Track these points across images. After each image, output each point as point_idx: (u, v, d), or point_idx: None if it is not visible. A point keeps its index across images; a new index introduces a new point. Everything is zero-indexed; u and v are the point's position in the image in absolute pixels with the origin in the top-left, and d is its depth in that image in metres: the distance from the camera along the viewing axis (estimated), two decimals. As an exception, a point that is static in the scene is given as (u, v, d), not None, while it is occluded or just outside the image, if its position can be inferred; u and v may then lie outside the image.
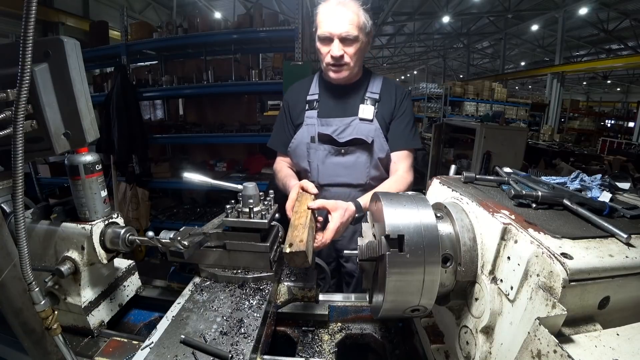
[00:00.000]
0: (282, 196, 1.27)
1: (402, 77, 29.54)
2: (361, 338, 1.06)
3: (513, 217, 0.67)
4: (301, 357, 0.95)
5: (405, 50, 20.67)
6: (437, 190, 0.95)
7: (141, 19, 8.58)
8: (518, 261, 0.60)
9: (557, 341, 0.48)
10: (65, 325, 0.97)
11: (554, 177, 0.92)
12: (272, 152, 1.77)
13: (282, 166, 1.64)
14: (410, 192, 0.78)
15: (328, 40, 1.37)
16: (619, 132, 15.79)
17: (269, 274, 1.00)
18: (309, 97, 1.57)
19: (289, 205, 1.18)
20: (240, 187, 1.06)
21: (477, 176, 0.92)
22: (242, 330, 0.80)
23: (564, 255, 0.54)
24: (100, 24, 5.20)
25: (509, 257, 0.62)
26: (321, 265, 1.34)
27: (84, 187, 0.93)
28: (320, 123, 1.51)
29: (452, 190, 0.87)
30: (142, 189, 4.39)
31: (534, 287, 0.55)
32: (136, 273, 1.19)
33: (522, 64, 20.95)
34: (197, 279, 1.02)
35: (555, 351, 0.48)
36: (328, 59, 1.40)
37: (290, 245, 0.90)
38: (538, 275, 0.56)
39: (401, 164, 1.49)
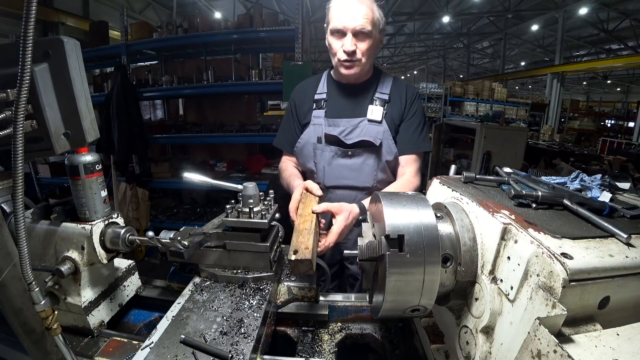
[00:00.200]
0: (282, 196, 1.27)
1: (402, 77, 29.52)
2: (361, 338, 1.06)
3: (513, 217, 0.67)
4: (301, 357, 0.95)
5: (405, 50, 20.68)
6: (437, 190, 0.95)
7: (141, 19, 8.58)
8: (518, 261, 0.60)
9: (557, 341, 0.48)
10: (65, 325, 0.97)
11: (554, 177, 0.92)
12: (272, 152, 1.76)
13: (287, 165, 1.61)
14: (410, 192, 0.78)
15: (341, 34, 1.33)
16: (619, 132, 15.80)
17: (269, 273, 1.00)
18: (316, 96, 1.54)
19: (292, 206, 1.17)
20: (240, 187, 1.06)
21: (477, 176, 0.92)
22: (242, 330, 0.80)
23: (564, 255, 0.54)
24: (100, 24, 5.20)
25: (509, 257, 0.62)
26: (321, 266, 1.34)
27: (84, 187, 0.93)
28: (327, 123, 1.47)
29: (452, 190, 0.87)
30: (142, 189, 4.39)
31: (534, 287, 0.55)
32: (136, 273, 1.19)
33: (522, 64, 20.95)
34: (197, 279, 1.02)
35: (555, 351, 0.48)
36: (340, 54, 1.36)
37: (296, 252, 0.88)
38: (538, 275, 0.56)
39: (408, 167, 1.46)
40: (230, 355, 0.68)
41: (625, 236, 0.59)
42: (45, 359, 0.71)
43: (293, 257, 0.87)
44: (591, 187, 0.82)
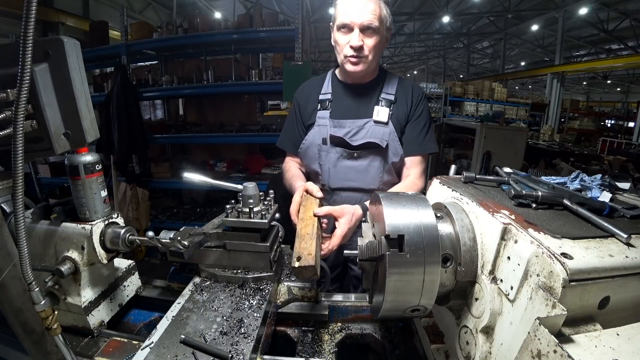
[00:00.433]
0: (282, 196, 1.26)
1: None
2: (361, 338, 1.06)
3: (513, 217, 0.67)
4: (301, 357, 0.95)
5: (405, 50, 20.67)
6: (437, 190, 0.95)
7: (141, 19, 8.59)
8: (518, 261, 0.60)
9: (557, 341, 0.48)
10: (65, 325, 0.97)
11: (554, 177, 0.92)
12: (272, 152, 1.76)
13: (290, 166, 1.59)
14: (410, 192, 0.78)
15: (348, 29, 1.31)
16: (619, 132, 15.80)
17: (269, 273, 1.00)
18: (321, 97, 1.51)
19: (293, 209, 1.16)
20: (240, 187, 1.06)
21: (477, 176, 0.92)
22: (242, 330, 0.80)
23: (564, 255, 0.54)
24: (100, 24, 5.20)
25: (509, 257, 0.62)
26: (322, 267, 1.34)
27: (84, 187, 0.93)
28: (332, 124, 1.45)
29: (452, 190, 0.87)
30: (142, 189, 4.39)
31: (534, 287, 0.55)
32: (136, 273, 1.19)
33: (522, 64, 20.96)
34: (197, 279, 1.02)
35: (555, 351, 0.48)
36: (347, 50, 1.33)
37: (299, 259, 0.87)
38: (538, 275, 0.56)
39: (413, 169, 1.45)
40: (230, 355, 0.68)
41: (625, 236, 0.59)
42: (45, 359, 0.71)
43: (297, 264, 0.86)
44: (591, 187, 0.82)
